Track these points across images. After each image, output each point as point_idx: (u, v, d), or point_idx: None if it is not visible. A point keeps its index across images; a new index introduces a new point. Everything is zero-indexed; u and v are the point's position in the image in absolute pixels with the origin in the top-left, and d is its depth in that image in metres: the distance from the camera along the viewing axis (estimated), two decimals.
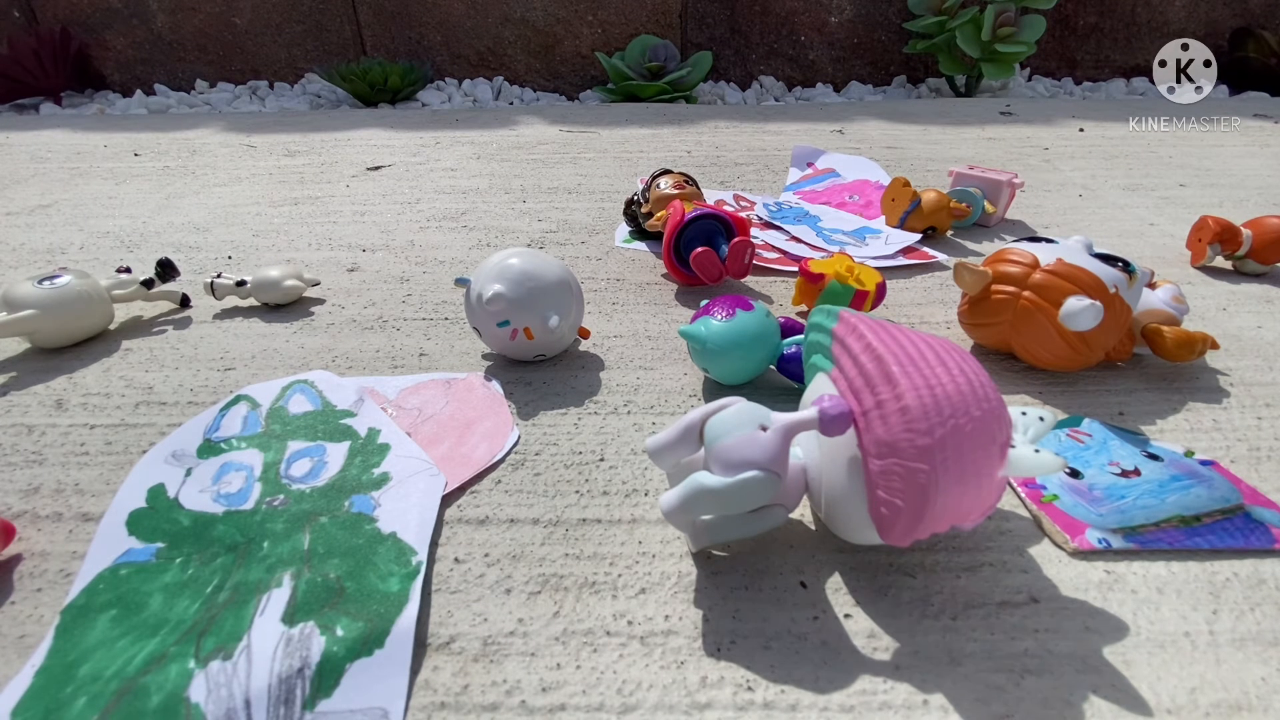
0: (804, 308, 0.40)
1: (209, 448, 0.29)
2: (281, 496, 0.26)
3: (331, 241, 0.53)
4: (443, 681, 0.20)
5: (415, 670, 0.20)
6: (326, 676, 0.20)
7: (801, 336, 0.31)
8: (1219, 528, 0.25)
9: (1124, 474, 0.27)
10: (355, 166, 0.74)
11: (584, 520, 0.26)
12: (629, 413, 0.32)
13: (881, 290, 0.38)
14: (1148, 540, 0.24)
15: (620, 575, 0.24)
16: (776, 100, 1.26)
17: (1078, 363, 0.33)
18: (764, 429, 0.21)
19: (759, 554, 0.24)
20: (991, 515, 0.26)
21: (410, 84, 1.17)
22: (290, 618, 0.21)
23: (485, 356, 0.37)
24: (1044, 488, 0.27)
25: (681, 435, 0.22)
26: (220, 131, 0.91)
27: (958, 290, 0.40)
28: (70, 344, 0.38)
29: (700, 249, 0.40)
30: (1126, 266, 0.33)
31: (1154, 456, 0.28)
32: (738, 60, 1.31)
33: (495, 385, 0.34)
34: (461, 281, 0.33)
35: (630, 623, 0.22)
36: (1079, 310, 0.30)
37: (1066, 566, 0.24)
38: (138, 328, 0.40)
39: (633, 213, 0.52)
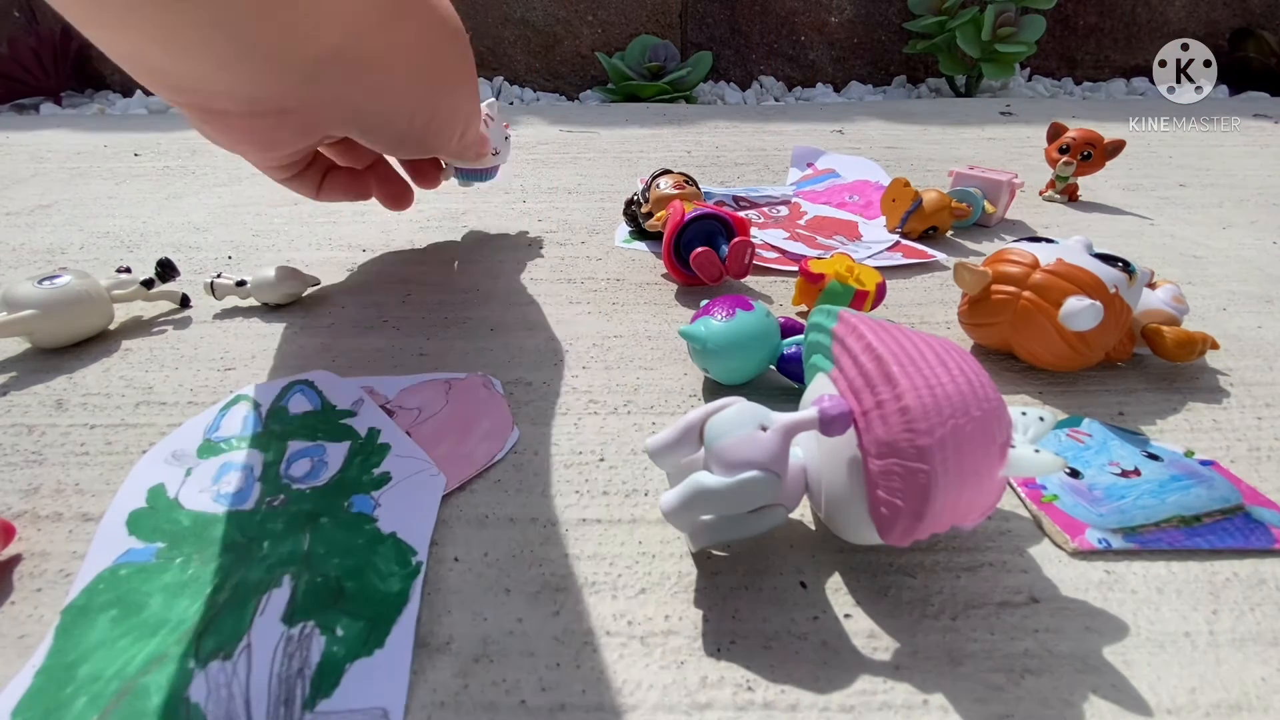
0: (804, 308, 0.40)
1: (209, 447, 0.29)
2: (282, 496, 0.26)
3: (331, 241, 0.53)
4: (443, 681, 0.20)
5: (415, 670, 0.20)
6: (326, 676, 0.20)
7: (801, 336, 0.31)
8: (1219, 528, 0.25)
9: (1124, 474, 0.27)
10: None
11: (584, 520, 0.26)
12: (629, 413, 0.32)
13: (881, 290, 0.38)
14: (1148, 540, 0.24)
15: (620, 575, 0.24)
16: (776, 100, 1.26)
17: (1078, 363, 0.33)
18: (764, 429, 0.21)
19: (759, 554, 0.24)
20: (991, 515, 0.26)
21: None
22: (290, 618, 0.21)
23: (485, 357, 0.37)
24: (1044, 488, 0.27)
25: (681, 435, 0.22)
26: None
27: (958, 290, 0.40)
28: (70, 344, 0.38)
29: (700, 249, 0.40)
30: (1126, 266, 0.33)
31: (1154, 456, 0.28)
32: (738, 60, 1.31)
33: (495, 385, 0.34)
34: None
35: (630, 623, 0.22)
36: (1079, 310, 0.30)
37: (1066, 566, 0.24)
38: (138, 328, 0.40)
39: (633, 213, 0.52)
